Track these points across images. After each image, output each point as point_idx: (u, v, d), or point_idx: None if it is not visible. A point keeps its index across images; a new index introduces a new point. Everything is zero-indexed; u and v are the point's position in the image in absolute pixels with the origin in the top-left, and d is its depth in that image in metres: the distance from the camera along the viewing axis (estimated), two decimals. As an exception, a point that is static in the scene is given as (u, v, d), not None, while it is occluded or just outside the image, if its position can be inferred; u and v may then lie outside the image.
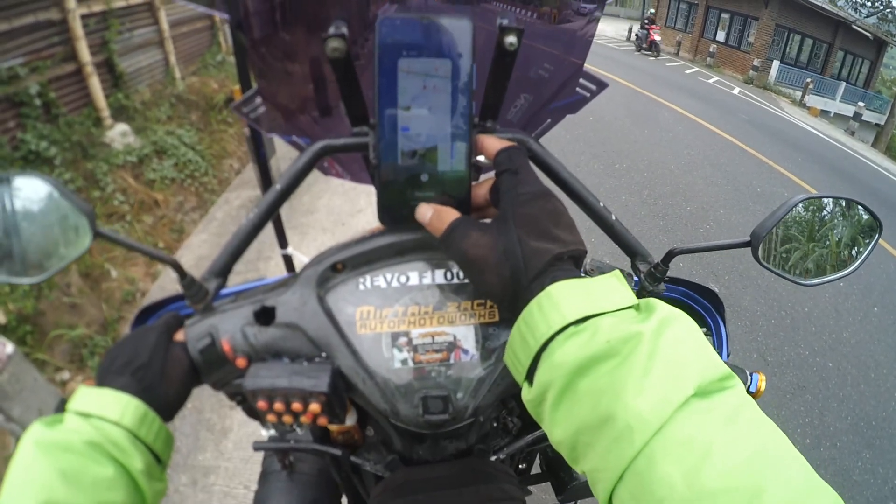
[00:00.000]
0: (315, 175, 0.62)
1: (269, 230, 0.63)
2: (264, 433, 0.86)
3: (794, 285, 0.62)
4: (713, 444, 0.30)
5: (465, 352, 0.54)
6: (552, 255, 0.42)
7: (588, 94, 0.68)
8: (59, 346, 2.79)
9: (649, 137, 7.61)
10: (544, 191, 0.46)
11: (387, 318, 0.54)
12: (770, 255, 0.59)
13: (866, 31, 17.56)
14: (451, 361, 0.53)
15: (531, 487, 0.96)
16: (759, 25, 18.07)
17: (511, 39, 0.46)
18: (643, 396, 0.32)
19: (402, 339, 0.53)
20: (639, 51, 19.11)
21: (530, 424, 0.72)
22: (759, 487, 0.28)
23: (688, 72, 15.99)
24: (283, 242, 1.35)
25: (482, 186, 0.52)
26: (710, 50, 18.67)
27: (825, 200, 0.62)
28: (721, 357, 0.71)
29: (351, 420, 0.68)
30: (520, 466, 0.91)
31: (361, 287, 0.54)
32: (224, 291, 0.60)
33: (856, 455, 2.82)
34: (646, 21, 19.52)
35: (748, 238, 0.55)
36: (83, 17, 3.92)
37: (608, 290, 0.40)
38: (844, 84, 17.48)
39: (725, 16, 19.49)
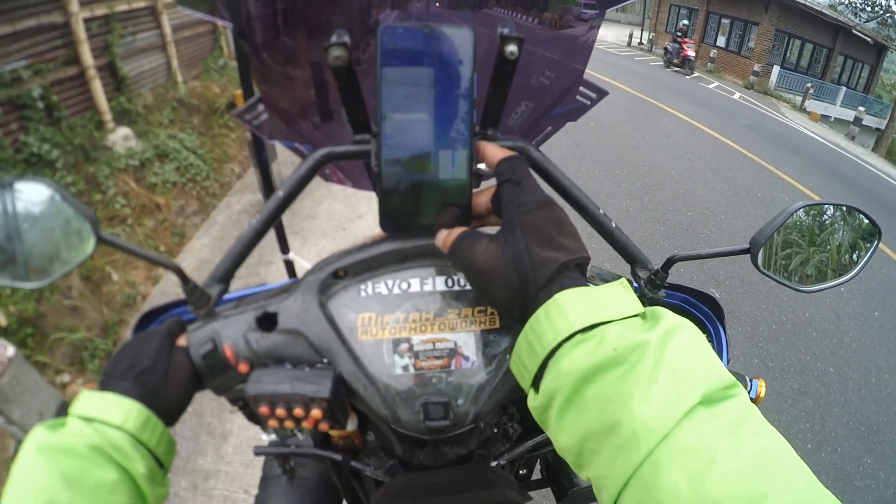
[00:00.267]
0: (316, 180, 0.62)
1: (270, 235, 0.63)
2: (265, 437, 0.86)
3: (795, 291, 0.62)
4: (718, 452, 0.31)
5: (466, 358, 0.54)
6: (560, 264, 0.42)
7: (588, 102, 0.68)
8: (60, 348, 2.79)
9: (650, 143, 7.62)
10: (547, 200, 0.46)
11: (388, 324, 0.54)
12: (769, 261, 0.60)
13: (866, 35, 17.59)
14: (452, 368, 0.54)
15: (532, 493, 0.96)
16: (759, 30, 18.11)
17: (512, 48, 0.46)
18: (649, 404, 0.33)
19: (404, 346, 0.53)
20: (668, 67, 16.83)
21: (531, 430, 0.72)
22: (762, 494, 0.29)
23: (688, 77, 16.00)
24: (284, 248, 1.36)
25: (483, 195, 0.53)
26: (711, 55, 18.67)
27: (824, 207, 0.62)
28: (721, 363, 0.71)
29: (351, 425, 0.68)
30: (520, 472, 0.91)
31: (363, 293, 0.55)
32: (226, 297, 0.61)
33: (857, 460, 2.82)
34: (678, 33, 16.84)
35: (747, 245, 0.55)
36: (86, 20, 3.94)
37: (615, 298, 0.40)
38: (845, 89, 17.50)
39: (726, 21, 19.53)
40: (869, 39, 17.64)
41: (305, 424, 0.52)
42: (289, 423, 0.53)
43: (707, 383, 0.34)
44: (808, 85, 15.78)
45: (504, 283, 0.44)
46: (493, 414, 0.59)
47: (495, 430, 0.71)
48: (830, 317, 4.11)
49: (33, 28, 3.53)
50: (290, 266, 1.43)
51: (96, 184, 3.72)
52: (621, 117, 8.61)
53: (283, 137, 0.69)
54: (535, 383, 0.41)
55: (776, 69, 17.37)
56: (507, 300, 0.45)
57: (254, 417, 0.67)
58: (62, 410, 0.48)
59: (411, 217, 0.50)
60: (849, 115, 14.98)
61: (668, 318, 0.38)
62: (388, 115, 0.47)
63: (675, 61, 16.49)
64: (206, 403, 2.49)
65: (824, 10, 17.40)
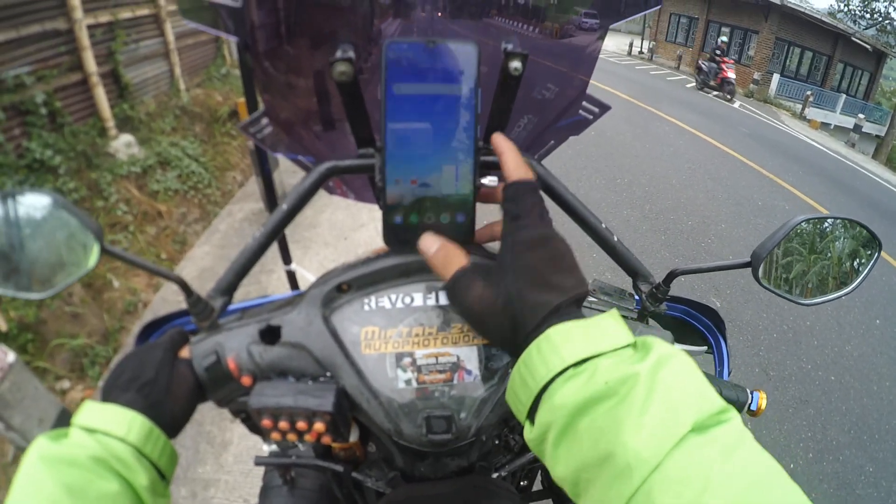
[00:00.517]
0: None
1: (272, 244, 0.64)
2: (266, 448, 0.86)
3: (796, 304, 0.63)
4: (710, 480, 0.31)
5: (469, 372, 0.54)
6: (552, 307, 0.42)
7: (591, 117, 0.69)
8: (60, 354, 2.79)
9: (650, 151, 7.63)
10: (544, 236, 0.45)
11: (391, 338, 0.54)
12: (770, 275, 0.60)
13: (865, 42, 17.64)
14: (455, 382, 0.54)
15: (532, 504, 0.96)
16: (759, 39, 18.17)
17: (516, 65, 0.47)
18: (641, 435, 0.33)
19: (407, 360, 0.54)
20: (701, 88, 14.89)
21: None
22: None
23: (688, 86, 16.03)
24: (286, 259, 1.36)
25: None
26: (711, 63, 18.75)
27: (824, 221, 0.63)
28: (722, 375, 0.71)
29: (353, 436, 0.68)
30: (521, 483, 0.91)
31: (366, 307, 0.55)
32: (229, 308, 0.61)
33: (859, 469, 2.81)
34: (716, 52, 14.73)
35: (748, 259, 0.55)
36: (90, 27, 3.95)
37: (605, 330, 0.40)
38: (844, 96, 17.53)
39: (726, 29, 19.58)
40: (868, 47, 17.70)
41: (308, 438, 0.53)
42: (292, 437, 0.53)
43: (698, 411, 0.34)
44: (808, 93, 15.82)
45: (496, 327, 0.45)
46: (495, 427, 0.60)
47: (496, 442, 0.71)
48: (832, 325, 4.10)
49: (37, 34, 3.54)
50: (292, 277, 1.43)
51: (98, 190, 3.72)
52: (621, 126, 8.64)
53: (286, 150, 0.69)
54: (531, 416, 0.41)
55: (776, 77, 17.42)
56: (500, 342, 0.46)
57: (255, 428, 0.67)
58: (63, 418, 0.48)
59: (415, 231, 0.51)
60: (849, 122, 15.00)
61: (659, 348, 0.38)
62: (392, 130, 0.47)
63: (712, 83, 14.55)
64: (207, 412, 2.48)
65: (824, 18, 17.47)
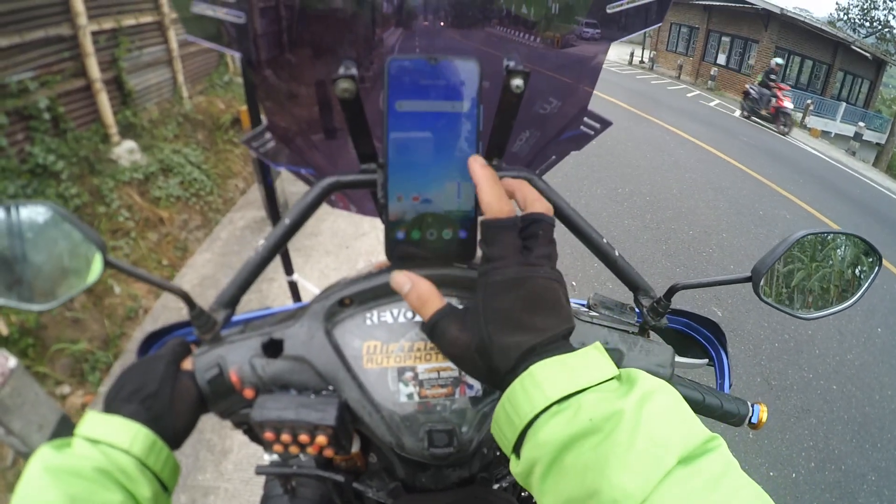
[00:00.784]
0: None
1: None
2: (266, 457, 0.86)
3: (797, 319, 0.63)
4: None
5: (470, 387, 0.55)
6: (525, 349, 0.42)
7: (592, 132, 0.69)
8: (60, 360, 2.79)
9: (651, 161, 7.64)
10: (519, 277, 0.44)
11: (393, 352, 0.54)
12: (771, 290, 0.60)
13: (865, 51, 17.70)
14: (456, 396, 0.54)
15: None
16: (759, 48, 18.23)
17: (517, 82, 0.47)
18: (627, 472, 0.33)
19: (408, 374, 0.54)
20: (748, 117, 13.00)
21: None
22: None
23: (689, 95, 16.08)
24: (288, 269, 1.36)
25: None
26: (712, 73, 18.79)
27: (825, 235, 0.63)
28: (723, 388, 0.71)
29: (354, 447, 0.68)
30: (522, 494, 0.91)
31: (368, 322, 0.55)
32: (231, 319, 0.61)
33: (861, 478, 2.80)
34: (770, 77, 12.32)
35: (749, 274, 0.56)
36: (94, 33, 3.98)
37: (589, 364, 0.40)
38: (844, 104, 17.57)
39: (726, 39, 19.68)
40: (868, 55, 17.76)
41: (310, 450, 0.53)
42: (293, 449, 0.53)
43: (684, 445, 0.34)
44: (809, 101, 15.84)
45: (474, 369, 0.46)
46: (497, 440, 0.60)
47: (497, 454, 0.71)
48: (833, 334, 4.09)
49: (41, 40, 3.56)
50: (293, 287, 1.43)
51: (100, 196, 3.73)
52: (622, 136, 8.65)
53: (288, 162, 0.70)
54: (516, 450, 0.41)
55: (776, 86, 17.46)
56: (481, 380, 0.47)
57: (256, 439, 0.67)
58: (63, 424, 0.48)
59: (417, 247, 0.51)
60: (849, 130, 15.01)
61: (644, 382, 0.38)
62: (395, 147, 0.48)
63: (764, 112, 12.37)
64: (207, 420, 2.45)
65: (823, 27, 17.54)
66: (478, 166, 0.47)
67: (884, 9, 19.14)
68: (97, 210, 3.65)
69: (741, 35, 19.00)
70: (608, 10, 0.58)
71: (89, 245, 0.50)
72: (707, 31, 20.36)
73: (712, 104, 15.22)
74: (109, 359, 2.93)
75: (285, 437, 0.52)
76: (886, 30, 18.92)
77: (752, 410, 0.66)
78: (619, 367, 0.42)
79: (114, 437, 0.47)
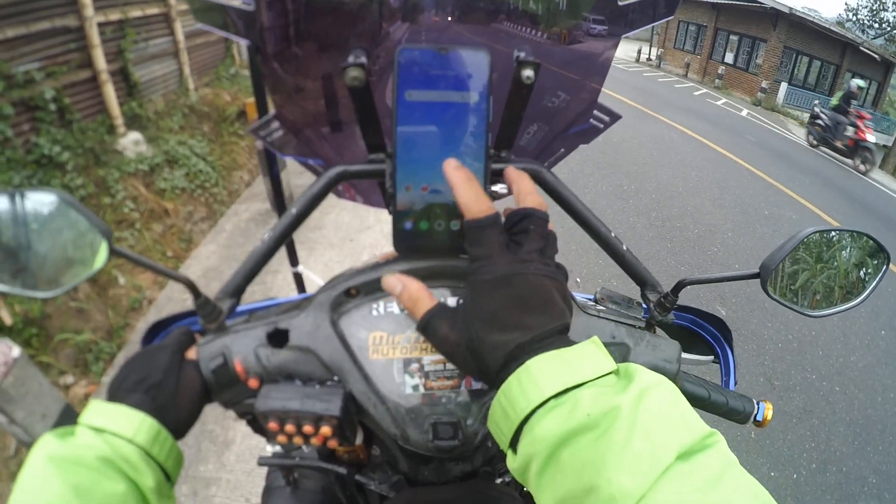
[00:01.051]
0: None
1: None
2: (269, 448, 0.86)
3: (804, 316, 0.62)
4: None
5: (476, 379, 0.54)
6: (513, 347, 0.42)
7: (601, 125, 0.69)
8: (64, 350, 2.80)
9: (658, 159, 7.62)
10: (506, 274, 0.44)
11: (399, 344, 0.54)
12: (779, 287, 0.60)
13: (874, 52, 17.58)
14: (462, 388, 0.54)
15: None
16: (767, 47, 18.12)
17: (528, 73, 0.46)
18: (624, 467, 0.33)
19: (414, 366, 0.54)
20: (816, 146, 11.28)
21: None
22: None
23: (696, 93, 16.00)
24: (293, 261, 1.36)
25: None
26: (719, 72, 18.69)
27: (833, 233, 0.63)
28: (729, 385, 0.71)
29: (357, 439, 0.68)
30: (524, 489, 0.91)
31: (374, 313, 0.55)
32: (237, 309, 0.61)
33: (862, 480, 2.79)
34: (849, 102, 10.45)
35: (757, 270, 0.55)
36: (100, 25, 3.99)
37: (586, 359, 0.40)
38: (853, 106, 17.45)
39: (734, 38, 19.55)
40: (876, 56, 17.64)
41: (314, 441, 0.53)
42: (298, 440, 0.53)
43: (682, 440, 0.34)
44: (816, 101, 15.76)
45: (466, 367, 0.46)
46: None
47: (500, 448, 0.71)
48: (837, 335, 4.08)
49: (47, 31, 3.57)
50: (298, 278, 1.43)
51: (106, 187, 3.74)
52: (628, 133, 8.63)
53: (295, 152, 0.70)
54: (513, 445, 0.41)
55: (784, 86, 17.36)
56: (476, 378, 0.47)
57: (260, 430, 0.67)
58: (66, 414, 0.48)
59: (424, 238, 0.51)
60: (857, 132, 14.92)
61: (642, 377, 0.38)
62: (404, 136, 0.47)
63: (840, 144, 10.45)
64: (210, 411, 2.47)
65: (832, 27, 17.42)
66: (451, 168, 0.47)
67: (893, 10, 19.02)
68: (102, 201, 3.66)
69: (749, 34, 18.87)
70: (619, 3, 0.57)
71: (95, 233, 0.50)
72: (715, 29, 20.24)
73: (719, 103, 15.16)
74: (113, 349, 2.95)
75: (289, 427, 0.52)
76: (895, 31, 18.76)
77: (758, 408, 0.66)
78: (626, 361, 0.42)
79: (118, 426, 0.47)
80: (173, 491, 0.52)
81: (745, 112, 14.44)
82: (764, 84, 17.07)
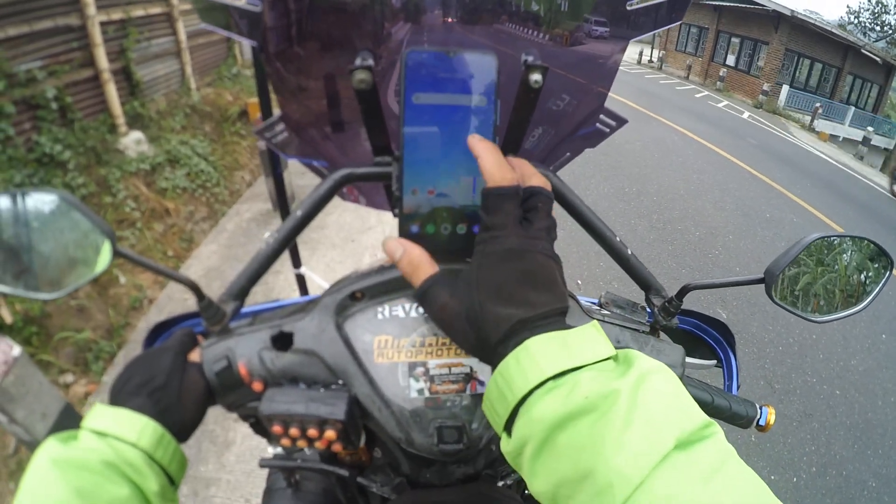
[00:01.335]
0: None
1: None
2: (270, 450, 0.86)
3: (808, 321, 0.62)
4: (695, 499, 0.30)
5: (482, 383, 0.54)
6: (515, 321, 0.41)
7: (607, 130, 0.68)
8: (64, 348, 2.80)
9: (659, 161, 7.62)
10: (518, 248, 0.43)
11: (404, 347, 0.54)
12: (783, 292, 0.60)
13: (875, 55, 17.60)
14: (467, 392, 0.54)
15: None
16: (768, 50, 18.12)
17: (536, 77, 0.46)
18: (623, 453, 0.32)
19: (419, 370, 0.54)
20: None
21: None
22: None
23: (698, 95, 16.00)
24: (296, 262, 1.36)
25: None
26: (721, 74, 18.71)
27: (838, 238, 0.62)
28: (731, 390, 0.71)
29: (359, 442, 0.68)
30: (525, 492, 0.91)
31: (379, 316, 0.55)
32: (240, 311, 0.61)
33: (862, 484, 2.79)
34: None
35: (762, 276, 0.55)
36: (102, 24, 3.98)
37: (586, 342, 0.39)
38: (853, 108, 17.45)
39: (735, 40, 19.56)
40: (878, 59, 17.66)
41: (319, 445, 0.52)
42: (302, 443, 0.53)
43: (681, 428, 0.34)
44: (817, 104, 15.76)
45: (463, 339, 0.44)
46: None
47: None
48: (837, 339, 4.08)
49: (50, 29, 3.57)
50: (301, 280, 1.42)
51: (107, 187, 3.74)
52: (630, 135, 8.62)
53: (300, 154, 0.69)
54: (507, 428, 0.40)
55: (785, 88, 17.38)
56: (469, 351, 0.45)
57: (262, 431, 0.67)
58: (66, 413, 0.48)
59: (430, 241, 0.51)
60: (857, 135, 14.95)
61: (641, 363, 0.38)
62: (411, 139, 0.47)
63: None
64: (210, 412, 2.47)
65: (834, 30, 17.43)
66: (476, 140, 0.46)
67: (895, 13, 19.01)
68: (103, 200, 3.66)
69: (751, 36, 18.88)
70: (627, 7, 0.57)
71: (98, 234, 0.49)
72: (717, 31, 20.24)
73: (721, 105, 15.16)
74: (113, 348, 2.94)
75: (294, 430, 0.51)
76: (896, 34, 18.78)
77: (761, 413, 0.66)
78: None
79: (121, 430, 0.46)
80: (177, 494, 0.52)
81: (746, 115, 14.44)
82: (765, 87, 17.08)
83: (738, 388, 0.72)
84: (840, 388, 3.52)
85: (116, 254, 0.50)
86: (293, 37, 0.61)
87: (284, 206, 1.31)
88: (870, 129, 14.09)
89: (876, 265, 0.64)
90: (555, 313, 0.42)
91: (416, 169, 0.48)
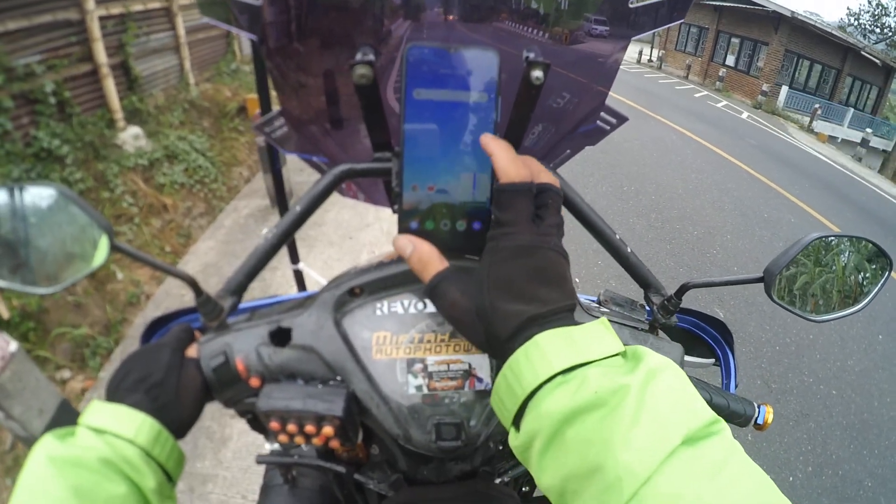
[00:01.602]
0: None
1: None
2: (267, 446, 0.86)
3: (807, 320, 0.62)
4: (702, 494, 0.30)
5: (480, 380, 0.54)
6: (525, 318, 0.41)
7: (608, 127, 0.68)
8: (62, 344, 2.80)
9: (658, 161, 7.62)
10: (529, 245, 0.43)
11: (402, 344, 0.54)
12: (782, 291, 0.60)
13: (875, 57, 17.64)
14: (465, 389, 0.54)
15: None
16: (768, 51, 18.13)
17: (538, 74, 0.46)
18: (631, 448, 0.32)
19: (418, 366, 0.53)
20: None
21: None
22: None
23: (697, 95, 16.00)
24: (294, 258, 1.35)
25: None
26: (720, 74, 18.71)
27: (837, 238, 0.63)
28: (729, 388, 0.71)
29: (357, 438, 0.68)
30: (523, 489, 0.91)
31: (378, 312, 0.55)
32: (238, 307, 0.61)
33: (858, 484, 2.80)
34: None
35: (761, 275, 0.55)
36: (101, 18, 3.97)
37: (595, 338, 0.39)
38: (852, 110, 17.50)
39: (735, 40, 19.56)
40: (877, 61, 17.70)
41: (316, 441, 0.52)
42: (299, 439, 0.53)
43: (689, 424, 0.34)
44: (816, 106, 15.78)
45: (473, 334, 0.45)
46: (504, 434, 0.59)
47: (500, 448, 0.71)
48: (834, 340, 4.09)
49: (48, 24, 3.56)
50: (298, 276, 1.42)
51: (105, 182, 3.73)
52: (629, 134, 8.61)
53: (299, 149, 0.69)
54: (516, 422, 0.40)
55: (784, 89, 17.40)
56: (479, 346, 0.45)
57: (259, 428, 0.67)
58: (63, 409, 0.48)
59: (430, 237, 0.50)
60: (856, 136, 14.98)
61: (650, 359, 0.38)
62: (411, 135, 0.47)
63: None
64: (207, 408, 2.47)
65: (833, 32, 17.46)
66: (489, 139, 0.46)
67: (894, 16, 19.04)
68: (101, 195, 3.65)
69: (751, 37, 18.88)
70: (630, 5, 0.57)
71: (96, 228, 0.49)
72: (717, 31, 20.24)
73: (720, 105, 15.17)
74: (110, 344, 2.94)
75: (291, 427, 0.51)
76: (896, 37, 18.82)
77: (758, 411, 0.66)
78: None
79: (119, 426, 0.46)
80: (174, 491, 0.51)
81: (745, 115, 14.44)
82: (765, 87, 17.10)
83: (736, 386, 0.72)
84: (837, 388, 3.53)
85: (114, 249, 0.49)
86: (293, 32, 0.60)
87: (283, 202, 1.31)
88: (868, 130, 14.13)
89: (874, 266, 0.64)
90: (564, 310, 0.43)
91: (417, 165, 0.48)
